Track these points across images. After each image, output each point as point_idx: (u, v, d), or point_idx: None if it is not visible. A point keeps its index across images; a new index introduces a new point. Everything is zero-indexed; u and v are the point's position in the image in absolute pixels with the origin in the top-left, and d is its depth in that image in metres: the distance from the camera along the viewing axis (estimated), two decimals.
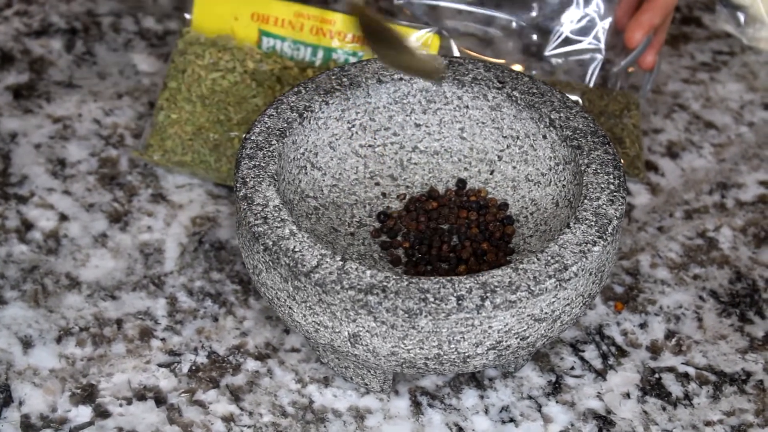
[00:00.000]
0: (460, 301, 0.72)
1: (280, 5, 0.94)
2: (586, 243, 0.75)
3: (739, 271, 0.90)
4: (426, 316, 0.72)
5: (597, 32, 0.99)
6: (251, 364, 0.83)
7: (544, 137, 0.84)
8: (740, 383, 0.83)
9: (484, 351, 0.74)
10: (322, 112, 0.84)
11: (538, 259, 0.74)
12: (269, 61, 0.93)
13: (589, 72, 0.99)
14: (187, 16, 0.96)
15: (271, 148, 0.80)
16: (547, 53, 1.00)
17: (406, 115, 0.86)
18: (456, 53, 1.00)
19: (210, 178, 0.93)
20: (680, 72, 1.05)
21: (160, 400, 0.81)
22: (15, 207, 0.92)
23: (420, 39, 0.93)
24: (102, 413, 0.80)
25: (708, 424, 0.81)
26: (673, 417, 0.81)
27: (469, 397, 0.82)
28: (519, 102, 0.84)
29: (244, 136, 0.82)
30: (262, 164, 0.79)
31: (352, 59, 0.94)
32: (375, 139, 0.87)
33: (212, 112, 0.92)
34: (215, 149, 0.92)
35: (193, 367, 0.83)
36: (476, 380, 0.83)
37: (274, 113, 0.82)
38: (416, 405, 0.81)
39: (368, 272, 0.73)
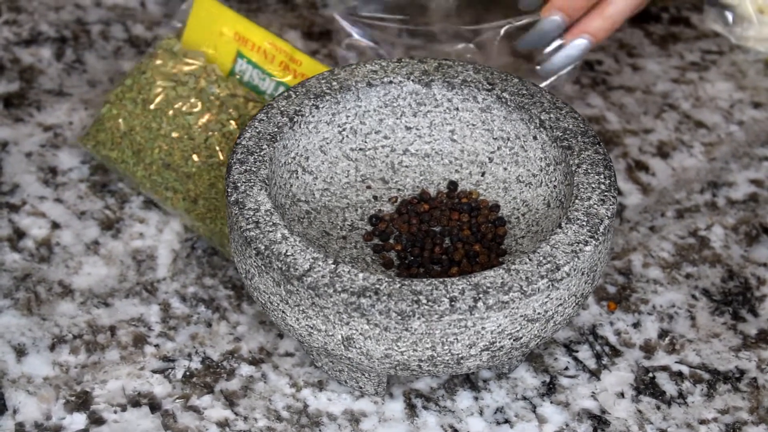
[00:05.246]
0: (452, 303, 0.72)
1: (259, 31, 0.92)
2: (578, 243, 0.75)
3: (731, 269, 0.90)
4: (419, 318, 0.72)
5: None
6: (245, 369, 0.83)
7: (535, 138, 0.84)
8: (734, 381, 0.83)
9: (477, 352, 0.75)
10: (313, 116, 0.84)
11: (530, 260, 0.74)
12: (222, 85, 0.91)
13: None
14: (176, 23, 0.96)
15: (261, 153, 0.80)
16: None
17: (397, 118, 0.86)
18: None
19: (127, 179, 0.92)
20: (669, 72, 1.05)
21: (154, 406, 0.81)
22: (7, 216, 0.92)
23: None
24: (96, 420, 0.80)
25: (702, 422, 0.81)
26: (668, 416, 0.81)
27: (464, 398, 0.82)
28: (509, 103, 0.84)
29: (235, 140, 0.82)
30: (252, 169, 0.79)
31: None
32: (366, 142, 0.87)
33: (147, 117, 0.91)
34: (137, 153, 0.91)
35: (187, 373, 0.83)
36: (470, 382, 0.83)
37: (265, 118, 0.82)
38: (411, 407, 0.81)
39: (360, 275, 0.73)
